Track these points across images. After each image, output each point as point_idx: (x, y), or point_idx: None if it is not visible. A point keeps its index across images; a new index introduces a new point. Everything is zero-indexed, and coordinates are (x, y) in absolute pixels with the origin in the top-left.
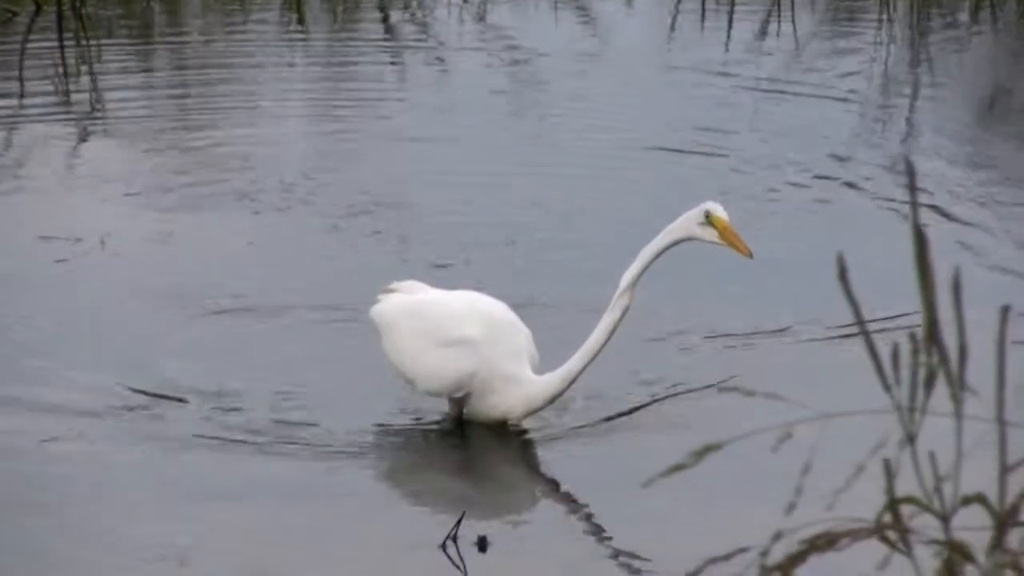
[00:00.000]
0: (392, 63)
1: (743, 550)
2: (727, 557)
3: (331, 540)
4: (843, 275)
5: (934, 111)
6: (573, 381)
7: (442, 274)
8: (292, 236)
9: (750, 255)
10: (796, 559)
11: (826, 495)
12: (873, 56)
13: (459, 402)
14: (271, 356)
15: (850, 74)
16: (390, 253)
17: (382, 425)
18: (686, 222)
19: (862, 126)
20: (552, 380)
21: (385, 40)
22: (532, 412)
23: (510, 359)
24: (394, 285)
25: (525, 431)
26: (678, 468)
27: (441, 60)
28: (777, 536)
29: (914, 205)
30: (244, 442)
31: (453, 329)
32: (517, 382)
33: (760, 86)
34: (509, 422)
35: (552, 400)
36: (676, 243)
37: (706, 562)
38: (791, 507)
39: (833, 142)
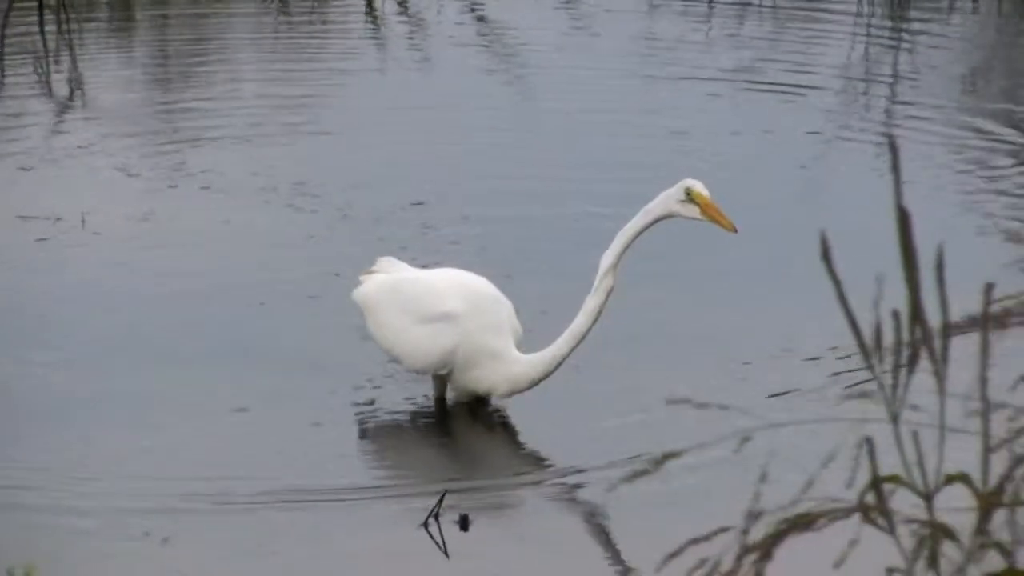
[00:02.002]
0: (373, 42)
1: (724, 529)
2: (707, 537)
3: (312, 519)
4: (826, 255)
5: (915, 89)
6: (559, 365)
7: (428, 248)
8: (270, 217)
9: (734, 229)
10: (776, 538)
11: (807, 482)
12: (853, 34)
13: (443, 380)
14: (245, 336)
15: (828, 52)
16: (369, 231)
17: (362, 405)
18: (666, 200)
19: (841, 105)
20: (537, 363)
21: (366, 18)
22: (516, 392)
23: (493, 334)
24: (375, 265)
25: (505, 414)
26: (640, 474)
27: (421, 35)
28: (756, 516)
29: (897, 183)
30: (220, 419)
31: (435, 305)
32: (501, 359)
33: (735, 71)
34: (492, 398)
35: (537, 382)
36: (656, 221)
37: (687, 542)
38: (758, 489)
39: (812, 121)
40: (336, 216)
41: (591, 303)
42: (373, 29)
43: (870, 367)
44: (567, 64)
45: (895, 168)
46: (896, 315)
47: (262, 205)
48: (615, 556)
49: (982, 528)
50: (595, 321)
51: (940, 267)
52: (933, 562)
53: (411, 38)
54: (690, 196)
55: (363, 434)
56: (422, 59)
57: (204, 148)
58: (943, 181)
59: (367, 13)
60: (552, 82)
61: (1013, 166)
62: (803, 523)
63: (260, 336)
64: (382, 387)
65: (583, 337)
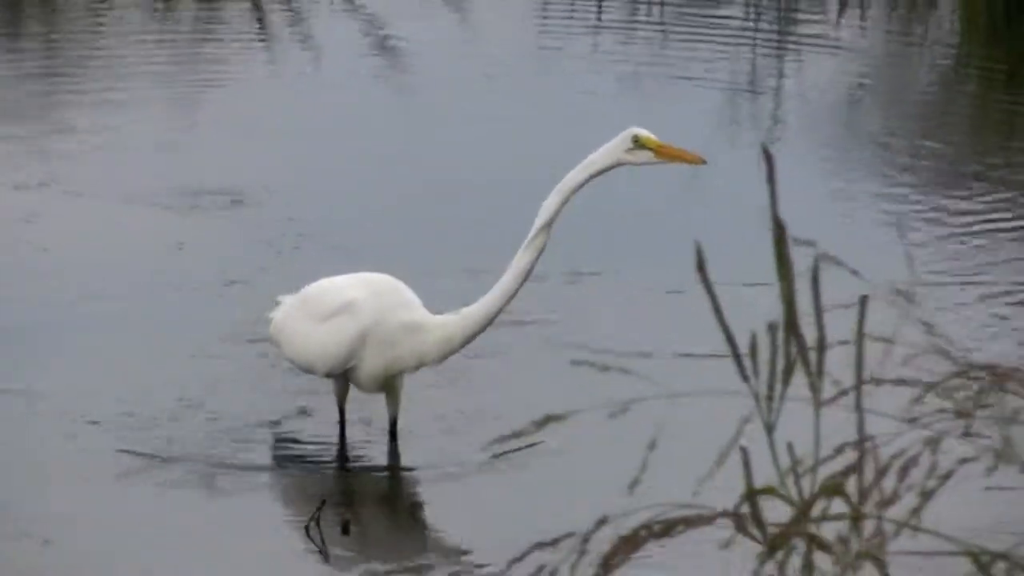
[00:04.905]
0: (261, 46)
1: (570, 535)
2: (553, 543)
3: (193, 521)
4: (701, 266)
5: (799, 99)
6: (491, 320)
7: (311, 255)
8: (154, 220)
9: (702, 161)
10: (625, 545)
11: (681, 481)
12: (739, 42)
13: (347, 382)
14: (134, 350)
15: (714, 60)
16: (256, 236)
17: (243, 418)
18: (610, 152)
19: (724, 113)
20: (468, 320)
21: (254, 23)
22: (450, 354)
23: (402, 310)
24: (280, 299)
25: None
26: (518, 435)
27: (311, 43)
28: (601, 522)
29: (773, 195)
30: (105, 431)
31: (335, 299)
32: (421, 329)
33: (626, 70)
34: (420, 368)
35: (470, 339)
36: (599, 173)
37: (532, 547)
38: (633, 487)
39: (695, 129)
40: (221, 221)
41: (522, 261)
42: (261, 33)
43: (745, 378)
44: (456, 67)
45: (770, 179)
46: (772, 327)
47: (148, 208)
48: (496, 552)
49: (854, 538)
50: (525, 279)
51: (816, 280)
52: (808, 572)
53: (299, 42)
54: (639, 143)
55: (246, 446)
56: (310, 62)
57: (93, 152)
58: (825, 187)
59: (255, 16)
60: (441, 85)
61: (900, 173)
62: (669, 529)
63: (142, 350)
64: (265, 401)
65: (513, 294)
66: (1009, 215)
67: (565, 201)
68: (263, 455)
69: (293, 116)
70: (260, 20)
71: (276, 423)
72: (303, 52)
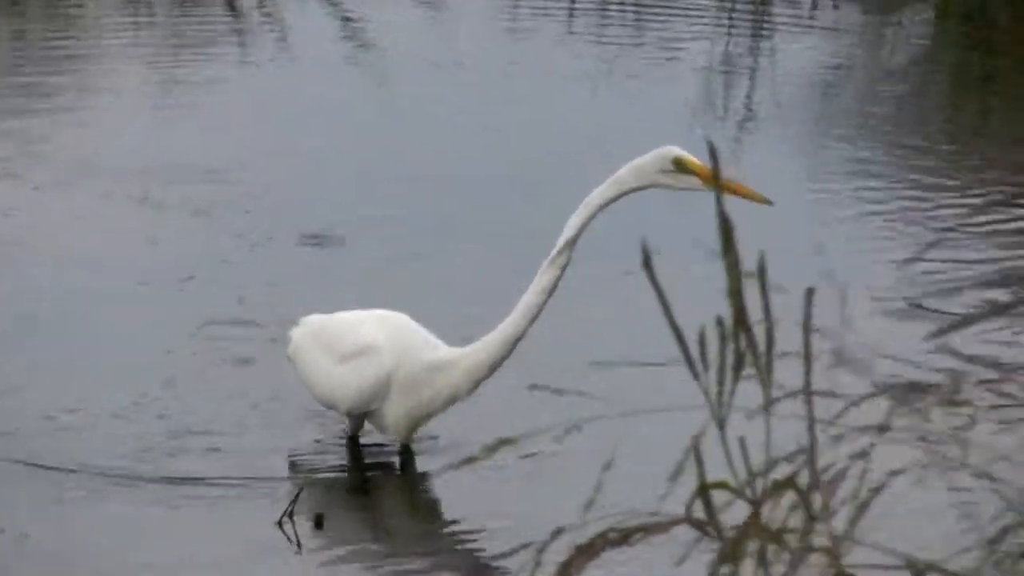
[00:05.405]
0: (233, 33)
1: (526, 545)
2: (509, 554)
3: (167, 517)
4: (647, 263)
5: (774, 81)
6: (516, 342)
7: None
8: (127, 214)
9: (767, 201)
10: (583, 554)
11: (643, 491)
12: (714, 30)
13: (361, 419)
14: (102, 348)
15: (690, 42)
16: (229, 230)
17: (214, 414)
18: (638, 172)
19: (699, 95)
20: (493, 345)
21: (226, 10)
22: (479, 382)
23: (423, 350)
24: (301, 321)
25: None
26: (470, 461)
27: (284, 29)
28: (558, 532)
29: (718, 189)
30: (71, 428)
31: (355, 339)
32: (448, 365)
33: (601, 52)
34: (456, 403)
35: (497, 365)
36: (628, 193)
37: (493, 556)
38: (590, 502)
39: (669, 111)
40: (193, 213)
41: (544, 279)
42: (233, 20)
43: (695, 375)
44: (430, 52)
45: (715, 176)
46: (720, 321)
47: (119, 199)
48: (465, 553)
49: (807, 531)
50: (548, 296)
51: (762, 272)
52: (761, 564)
53: (271, 29)
54: (681, 166)
55: (216, 442)
56: (283, 49)
57: (60, 142)
58: (799, 173)
59: (227, 3)
60: (416, 71)
61: (873, 161)
62: (624, 537)
63: (117, 345)
64: (235, 395)
65: (537, 313)
66: (981, 202)
67: (592, 217)
68: (232, 453)
69: (266, 104)
70: (232, 6)
71: (244, 421)
72: (276, 39)
